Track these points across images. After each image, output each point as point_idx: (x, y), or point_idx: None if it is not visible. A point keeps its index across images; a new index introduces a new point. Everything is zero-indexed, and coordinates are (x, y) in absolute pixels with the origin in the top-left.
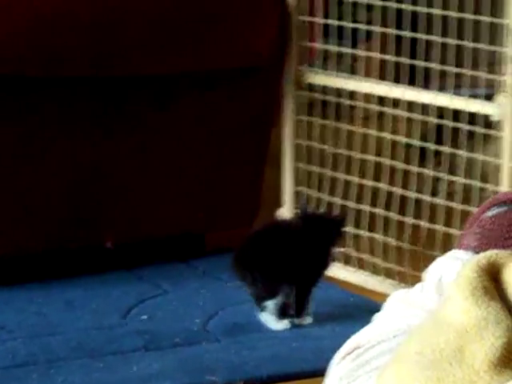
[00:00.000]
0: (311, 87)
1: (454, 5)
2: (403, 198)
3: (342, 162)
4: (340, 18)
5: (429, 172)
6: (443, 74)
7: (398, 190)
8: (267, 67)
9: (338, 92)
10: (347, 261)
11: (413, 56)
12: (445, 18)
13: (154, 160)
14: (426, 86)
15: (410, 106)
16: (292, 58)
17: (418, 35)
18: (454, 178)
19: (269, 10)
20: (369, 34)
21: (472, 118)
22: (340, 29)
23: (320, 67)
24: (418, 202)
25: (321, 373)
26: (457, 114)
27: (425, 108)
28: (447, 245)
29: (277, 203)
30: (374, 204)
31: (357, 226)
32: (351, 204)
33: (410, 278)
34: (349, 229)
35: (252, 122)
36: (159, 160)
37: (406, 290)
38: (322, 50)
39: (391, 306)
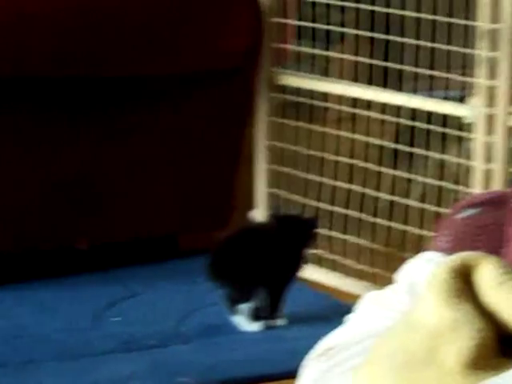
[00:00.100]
0: (284, 89)
1: (427, 7)
2: (376, 200)
3: (315, 164)
4: (313, 20)
5: (401, 174)
6: (416, 76)
7: (370, 192)
8: (241, 69)
9: (312, 94)
10: (320, 262)
11: (386, 58)
12: (418, 20)
13: (127, 162)
14: (400, 87)
15: (383, 107)
16: (265, 59)
17: (391, 37)
18: (427, 180)
19: (242, 12)
20: (342, 35)
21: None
22: (313, 30)
23: (293, 69)
24: (390, 203)
25: (294, 374)
26: (429, 116)
27: (398, 110)
28: (420, 246)
29: (251, 205)
30: (347, 206)
31: (330, 227)
32: (324, 206)
33: (383, 280)
34: (322, 230)
35: (225, 124)
36: (132, 162)
37: (379, 291)
38: (296, 52)
39: (364, 308)
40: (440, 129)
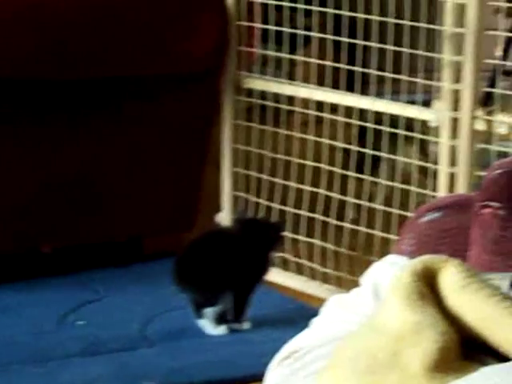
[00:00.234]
0: (250, 92)
1: (392, 11)
2: (341, 203)
3: (281, 167)
4: (278, 24)
5: (367, 177)
6: (381, 79)
7: (336, 195)
8: (207, 72)
9: (277, 97)
10: (285, 266)
11: (351, 62)
12: (382, 24)
13: (92, 164)
14: (365, 91)
15: (348, 111)
16: (231, 63)
17: (357, 41)
18: (391, 183)
19: (209, 16)
20: (307, 39)
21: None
22: (278, 34)
23: (259, 72)
24: (357, 206)
25: (259, 378)
26: (394, 119)
27: (362, 113)
28: (385, 250)
29: (219, 207)
30: (312, 209)
31: (295, 231)
32: (290, 209)
33: (348, 283)
34: (287, 234)
35: (191, 127)
36: (96, 164)
37: (344, 294)
38: (261, 56)
39: (328, 311)
40: (404, 132)
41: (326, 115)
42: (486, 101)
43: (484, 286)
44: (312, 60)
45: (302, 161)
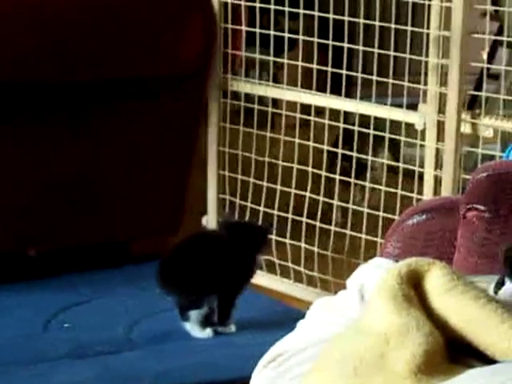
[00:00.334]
0: (236, 95)
1: (377, 14)
2: (328, 206)
3: (268, 170)
4: (264, 27)
5: (352, 180)
6: (367, 82)
7: (321, 198)
8: (193, 75)
9: (263, 100)
10: (271, 268)
11: (337, 65)
12: (368, 27)
13: (77, 167)
14: (351, 94)
15: (334, 114)
16: (217, 65)
17: (342, 44)
18: (377, 186)
19: (196, 18)
20: (293, 42)
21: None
22: (264, 37)
23: (244, 75)
24: (342, 209)
25: (245, 380)
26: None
27: (348, 116)
28: (371, 252)
29: (204, 210)
30: (298, 212)
31: (281, 233)
32: (275, 212)
33: (334, 286)
34: (273, 236)
35: (177, 130)
36: (82, 167)
37: (330, 297)
38: (246, 59)
39: (314, 314)
40: (389, 135)
41: (312, 118)
42: (471, 104)
43: (469, 289)
44: (298, 63)
45: (287, 163)
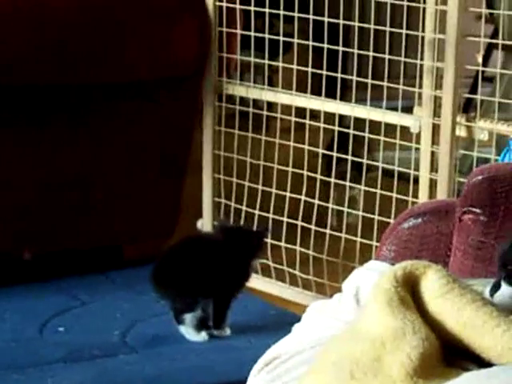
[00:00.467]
0: (231, 98)
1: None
2: (323, 209)
3: (261, 174)
4: (259, 30)
5: (346, 183)
6: (363, 86)
7: (317, 202)
8: (188, 78)
9: (258, 104)
10: (266, 272)
11: (332, 68)
12: (362, 31)
13: (71, 171)
14: (345, 97)
15: (329, 117)
16: (212, 69)
17: (337, 47)
18: (372, 190)
19: (191, 21)
20: (288, 45)
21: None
22: (259, 40)
23: (239, 79)
24: (337, 213)
25: None
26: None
27: (343, 119)
28: (366, 256)
29: (199, 214)
30: (293, 215)
31: (276, 237)
32: (270, 215)
33: (329, 289)
34: (268, 240)
35: (172, 133)
36: (76, 171)
37: (325, 300)
38: (241, 62)
39: (310, 317)
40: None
41: (307, 121)
42: (466, 107)
43: (465, 292)
44: (292, 66)
45: (282, 167)
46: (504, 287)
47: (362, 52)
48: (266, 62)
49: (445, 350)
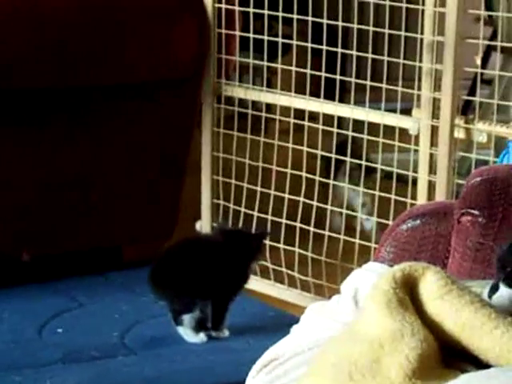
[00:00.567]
0: (229, 100)
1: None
2: (321, 211)
3: (260, 175)
4: (258, 32)
5: (344, 185)
6: (362, 87)
7: (315, 203)
8: (187, 80)
9: (256, 105)
10: (264, 273)
11: (331, 70)
12: (361, 33)
13: (70, 172)
14: (344, 99)
15: (328, 118)
16: (210, 70)
17: (336, 49)
18: (370, 191)
19: (190, 23)
20: (287, 47)
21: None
22: (258, 42)
23: (238, 80)
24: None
25: None
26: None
27: (342, 121)
28: (364, 257)
29: (198, 215)
30: (291, 217)
31: (275, 238)
32: (269, 217)
33: (328, 291)
34: (267, 242)
35: (171, 134)
36: (75, 172)
37: (323, 302)
38: (240, 64)
39: (308, 319)
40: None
41: (306, 123)
42: (465, 109)
43: (463, 294)
44: (291, 68)
45: (281, 168)
46: (502, 289)
47: (360, 54)
48: (265, 63)
49: (443, 352)
